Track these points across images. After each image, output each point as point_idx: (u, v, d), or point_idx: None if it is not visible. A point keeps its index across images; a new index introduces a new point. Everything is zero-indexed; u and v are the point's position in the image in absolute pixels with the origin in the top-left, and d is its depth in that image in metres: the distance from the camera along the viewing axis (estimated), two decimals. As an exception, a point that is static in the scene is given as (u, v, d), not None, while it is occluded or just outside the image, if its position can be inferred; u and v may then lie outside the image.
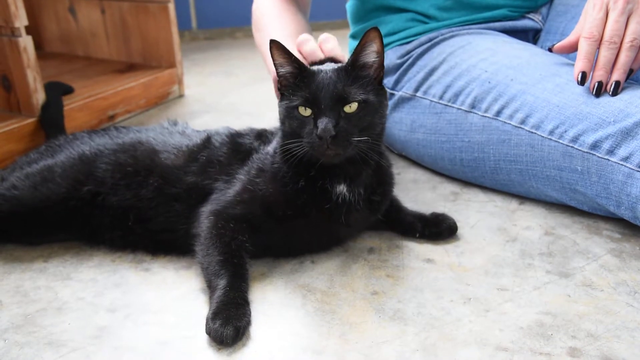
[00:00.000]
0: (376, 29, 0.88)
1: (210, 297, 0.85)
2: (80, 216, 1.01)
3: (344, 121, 0.86)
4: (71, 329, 0.84)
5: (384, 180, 1.00)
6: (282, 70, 0.91)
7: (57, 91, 1.51)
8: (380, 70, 0.92)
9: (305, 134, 0.87)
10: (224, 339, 0.77)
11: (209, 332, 0.79)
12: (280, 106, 0.93)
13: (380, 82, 0.93)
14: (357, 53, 0.89)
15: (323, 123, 0.84)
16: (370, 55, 0.90)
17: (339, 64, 0.92)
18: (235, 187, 0.95)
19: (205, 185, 0.98)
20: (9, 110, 1.47)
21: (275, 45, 0.89)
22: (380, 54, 0.90)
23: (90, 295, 0.91)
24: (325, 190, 0.92)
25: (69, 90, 1.62)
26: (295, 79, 0.90)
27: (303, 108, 0.88)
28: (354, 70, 0.89)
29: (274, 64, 0.91)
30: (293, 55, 0.89)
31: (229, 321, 0.79)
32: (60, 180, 1.00)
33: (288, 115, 0.90)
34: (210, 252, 0.89)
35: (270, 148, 0.97)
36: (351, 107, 0.87)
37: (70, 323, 0.85)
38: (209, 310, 0.82)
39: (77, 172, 1.01)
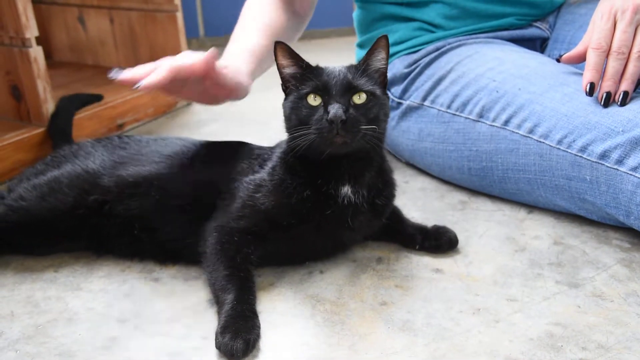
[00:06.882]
0: (386, 37, 0.91)
1: (218, 312, 0.85)
2: (88, 225, 1.01)
3: (353, 109, 0.88)
4: (82, 340, 0.84)
5: (387, 183, 1.01)
6: (287, 71, 0.93)
7: (76, 103, 1.46)
8: (385, 77, 0.95)
9: (314, 121, 0.88)
10: (234, 353, 0.77)
11: (218, 346, 0.79)
12: (285, 102, 0.94)
13: (384, 89, 0.95)
14: (368, 57, 0.93)
15: (335, 108, 0.86)
16: (379, 62, 0.93)
17: (350, 64, 0.95)
18: (235, 204, 0.95)
19: (207, 200, 0.98)
20: (19, 119, 1.48)
21: (279, 46, 0.91)
22: (386, 62, 0.94)
23: (100, 305, 0.92)
24: (330, 195, 0.93)
25: (92, 100, 1.54)
26: (302, 75, 0.92)
27: (312, 97, 0.89)
28: (364, 70, 0.92)
29: (277, 64, 0.93)
30: (298, 56, 0.92)
31: (239, 334, 0.79)
32: (68, 190, 1.00)
33: (295, 106, 0.91)
34: (216, 267, 0.89)
35: (266, 169, 0.97)
36: (360, 97, 0.89)
37: (80, 334, 0.85)
38: (218, 324, 0.82)
39: (83, 181, 1.02)
